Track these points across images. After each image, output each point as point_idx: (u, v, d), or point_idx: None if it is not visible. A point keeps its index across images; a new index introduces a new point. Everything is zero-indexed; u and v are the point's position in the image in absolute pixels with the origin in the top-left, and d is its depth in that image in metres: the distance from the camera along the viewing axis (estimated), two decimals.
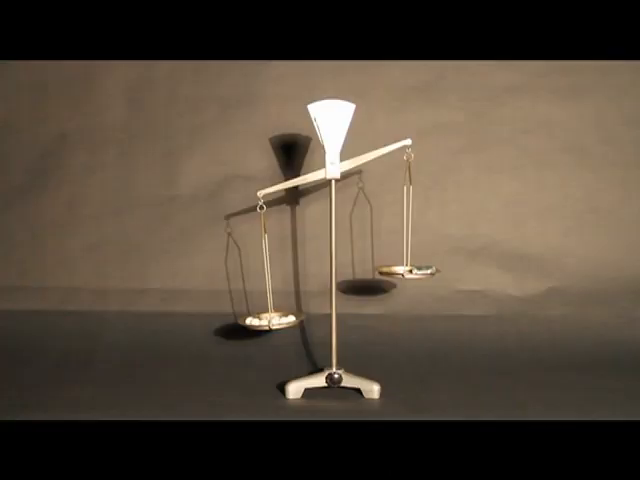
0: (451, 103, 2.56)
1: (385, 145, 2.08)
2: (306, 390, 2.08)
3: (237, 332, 2.39)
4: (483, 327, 2.50)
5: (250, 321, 2.11)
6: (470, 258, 2.56)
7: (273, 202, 2.44)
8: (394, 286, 2.52)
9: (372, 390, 2.07)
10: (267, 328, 2.05)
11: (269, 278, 2.07)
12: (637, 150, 2.56)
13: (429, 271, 2.15)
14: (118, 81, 2.60)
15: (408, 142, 2.09)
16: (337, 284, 2.49)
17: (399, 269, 2.18)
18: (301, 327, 2.49)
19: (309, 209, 2.54)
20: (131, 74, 2.60)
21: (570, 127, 2.56)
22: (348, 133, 2.06)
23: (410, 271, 2.15)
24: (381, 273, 2.22)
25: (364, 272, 2.53)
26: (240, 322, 2.12)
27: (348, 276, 2.52)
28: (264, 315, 2.14)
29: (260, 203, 2.06)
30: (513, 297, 2.54)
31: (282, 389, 2.09)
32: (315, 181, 2.14)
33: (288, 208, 2.54)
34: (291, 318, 2.11)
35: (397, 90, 2.56)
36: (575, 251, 2.55)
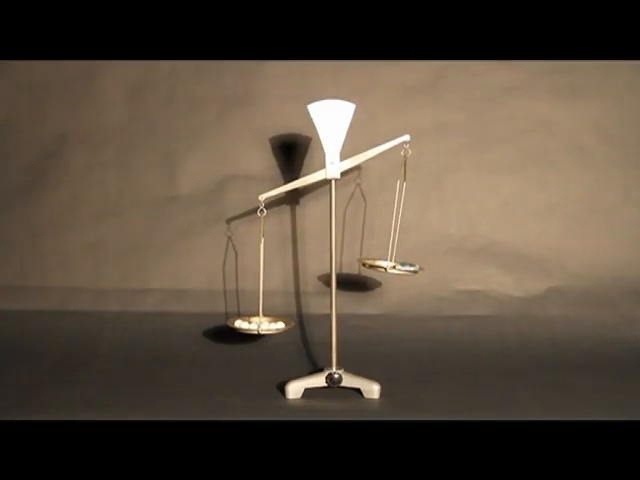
0: (451, 103, 2.56)
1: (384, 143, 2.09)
2: (306, 390, 2.08)
3: (237, 332, 2.39)
4: (483, 327, 2.50)
5: (239, 324, 2.11)
6: (470, 258, 2.56)
7: (273, 202, 2.44)
8: (379, 284, 2.52)
9: (372, 390, 2.07)
10: (256, 332, 2.06)
11: (262, 283, 2.08)
12: (637, 150, 2.57)
13: (412, 269, 2.16)
14: (118, 81, 2.60)
15: (406, 138, 2.10)
16: (320, 277, 2.48)
17: (383, 263, 2.19)
18: (301, 327, 2.49)
19: (309, 208, 2.54)
20: (131, 74, 2.59)
21: (570, 127, 2.56)
22: (348, 133, 2.06)
23: (394, 267, 2.15)
24: (364, 265, 2.23)
25: (358, 270, 2.52)
26: (229, 324, 2.13)
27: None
28: (254, 319, 2.14)
29: (261, 207, 2.06)
30: (513, 297, 2.54)
31: (282, 389, 2.09)
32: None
33: (288, 208, 2.54)
34: (280, 325, 2.11)
35: (397, 90, 2.56)
36: (575, 251, 2.55)
